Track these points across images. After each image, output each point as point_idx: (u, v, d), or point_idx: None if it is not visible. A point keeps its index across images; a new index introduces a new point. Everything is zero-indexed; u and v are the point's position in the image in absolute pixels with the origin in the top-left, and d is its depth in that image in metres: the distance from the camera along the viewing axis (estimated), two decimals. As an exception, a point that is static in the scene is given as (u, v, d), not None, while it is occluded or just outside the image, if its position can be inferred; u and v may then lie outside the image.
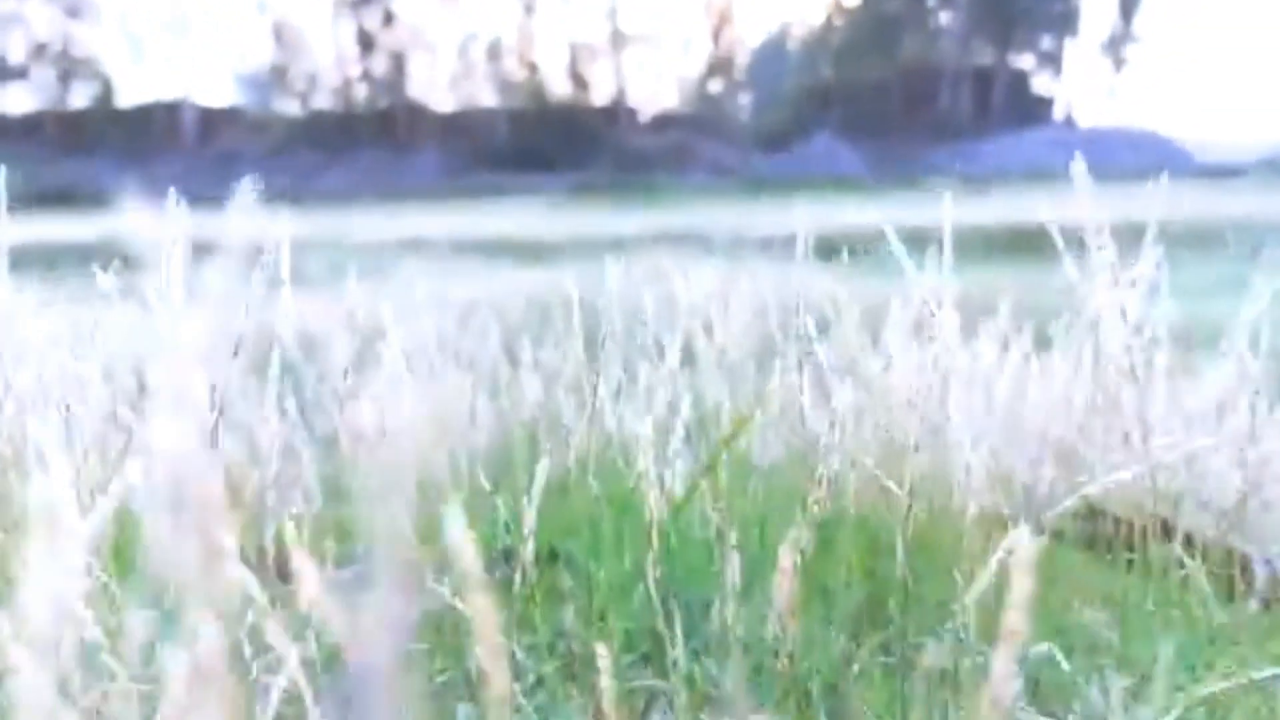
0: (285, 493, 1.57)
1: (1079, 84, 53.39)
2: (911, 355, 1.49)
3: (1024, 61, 48.32)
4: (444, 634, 1.24)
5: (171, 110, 48.41)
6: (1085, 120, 47.22)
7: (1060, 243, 1.46)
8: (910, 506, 1.24)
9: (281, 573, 1.25)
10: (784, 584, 0.92)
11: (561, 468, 1.69)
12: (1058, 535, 1.72)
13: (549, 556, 1.44)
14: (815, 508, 1.28)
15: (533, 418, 2.23)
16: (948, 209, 1.36)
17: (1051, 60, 48.02)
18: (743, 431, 1.55)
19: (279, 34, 51.66)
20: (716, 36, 49.98)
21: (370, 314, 2.74)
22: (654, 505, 1.15)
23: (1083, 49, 51.36)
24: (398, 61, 51.20)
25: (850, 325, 1.62)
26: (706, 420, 1.87)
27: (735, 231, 10.06)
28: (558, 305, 3.84)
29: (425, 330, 2.24)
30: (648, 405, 1.85)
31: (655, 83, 59.83)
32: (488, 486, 1.63)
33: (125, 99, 50.59)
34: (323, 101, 51.41)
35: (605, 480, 1.58)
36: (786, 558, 0.91)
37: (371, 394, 1.50)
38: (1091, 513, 1.71)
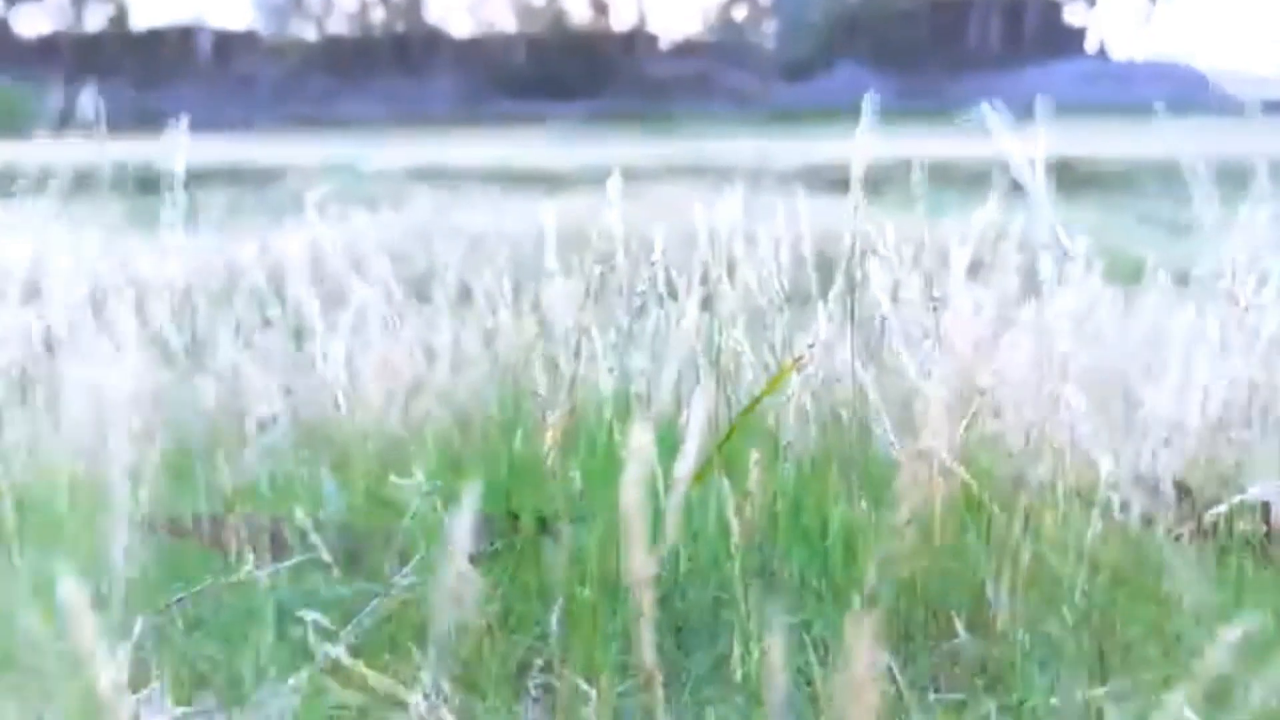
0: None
1: (1113, 14, 51.91)
2: (996, 307, 1.27)
3: (1057, -10, 46.97)
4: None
5: (186, 34, 47.81)
6: (1119, 52, 46.02)
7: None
8: (1028, 520, 1.00)
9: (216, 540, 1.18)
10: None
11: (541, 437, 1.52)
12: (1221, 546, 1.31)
13: (537, 528, 1.32)
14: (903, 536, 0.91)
15: (522, 366, 2.06)
16: (1040, 138, 1.18)
17: (1085, -11, 46.62)
18: (776, 389, 1.30)
19: (296, -45, 50.71)
20: (741, -39, 48.72)
21: (374, 245, 2.64)
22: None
23: (1118, -23, 49.79)
24: (417, -16, 50.25)
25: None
26: (725, 378, 1.65)
27: (757, 162, 9.85)
28: (569, 238, 3.72)
29: (420, 265, 2.16)
30: (653, 357, 1.68)
31: (677, 9, 58.60)
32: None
33: (139, 21, 50.02)
34: (339, 26, 50.69)
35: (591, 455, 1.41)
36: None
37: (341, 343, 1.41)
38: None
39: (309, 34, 50.60)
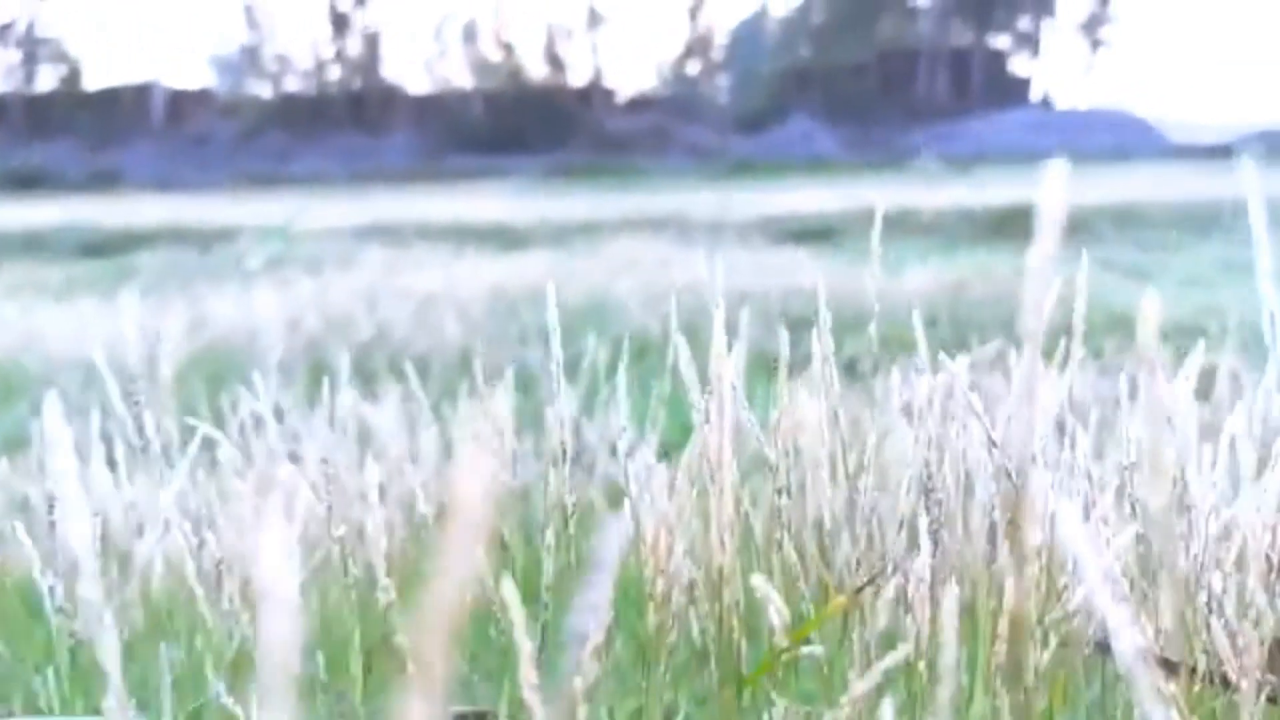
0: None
1: (1056, 65, 53.40)
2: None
3: (1001, 42, 48.28)
4: None
5: (141, 92, 47.57)
6: (1062, 101, 47.28)
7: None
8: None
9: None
10: None
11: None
12: None
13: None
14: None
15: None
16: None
17: (1029, 41, 47.99)
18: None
19: (251, 14, 50.87)
20: (694, 17, 49.61)
21: (320, 313, 2.53)
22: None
23: (1060, 29, 51.35)
24: (371, 43, 50.53)
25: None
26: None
27: (716, 214, 9.86)
28: (525, 299, 3.64)
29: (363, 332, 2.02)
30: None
31: (632, 64, 59.35)
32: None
33: (93, 81, 49.68)
34: (295, 83, 50.71)
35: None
36: None
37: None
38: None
39: (264, 92, 50.59)
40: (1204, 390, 2.07)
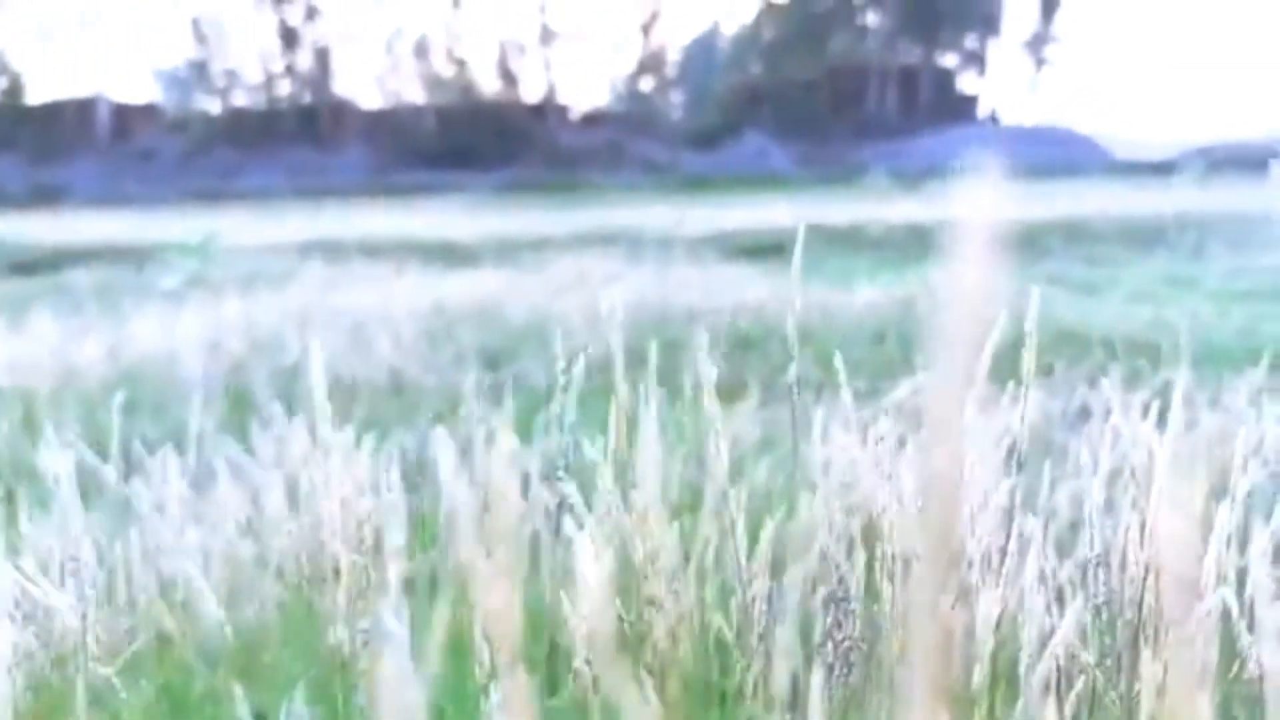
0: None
1: (1002, 82, 54.39)
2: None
3: (949, 60, 49.06)
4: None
5: (85, 107, 46.69)
6: (1009, 118, 48.12)
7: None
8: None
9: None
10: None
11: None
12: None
13: None
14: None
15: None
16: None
17: (976, 59, 48.83)
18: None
19: (198, 28, 50.19)
20: (647, 34, 49.82)
21: (246, 334, 2.42)
22: None
23: (1005, 48, 52.33)
24: (322, 57, 50.09)
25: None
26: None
27: (668, 230, 9.82)
28: (468, 318, 3.55)
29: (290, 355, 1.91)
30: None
31: (586, 80, 59.55)
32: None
33: (36, 95, 48.68)
34: (244, 98, 50.08)
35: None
36: None
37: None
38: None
39: (213, 107, 49.87)
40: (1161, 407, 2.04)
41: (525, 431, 2.21)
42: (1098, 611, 0.90)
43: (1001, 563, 0.93)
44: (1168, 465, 0.86)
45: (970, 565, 0.93)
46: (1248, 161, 31.26)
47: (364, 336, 2.51)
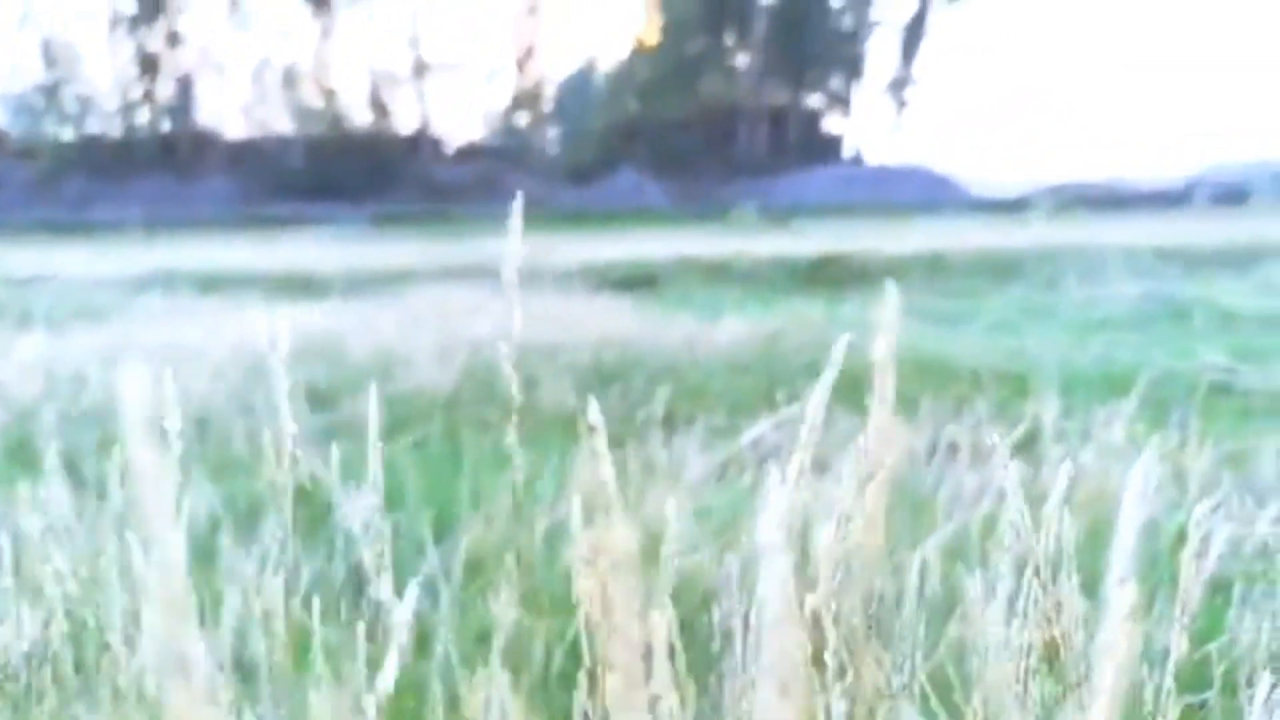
0: None
1: (866, 124, 56.53)
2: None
3: (815, 102, 50.67)
4: None
5: (-79, 133, 43.89)
6: (871, 157, 49.97)
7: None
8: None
9: None
10: None
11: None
12: None
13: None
14: None
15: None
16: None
17: (840, 101, 50.57)
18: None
19: (48, 51, 47.78)
20: (522, 69, 49.85)
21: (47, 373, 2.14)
22: None
23: (868, 91, 54.44)
24: (184, 85, 48.30)
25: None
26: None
27: (536, 262, 9.66)
28: (309, 353, 3.31)
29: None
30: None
31: (460, 113, 59.16)
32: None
33: None
34: (99, 125, 47.81)
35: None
36: None
37: None
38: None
39: (64, 133, 47.45)
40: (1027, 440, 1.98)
41: (354, 474, 1.99)
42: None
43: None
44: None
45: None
46: (1094, 199, 33.22)
47: (176, 376, 2.25)
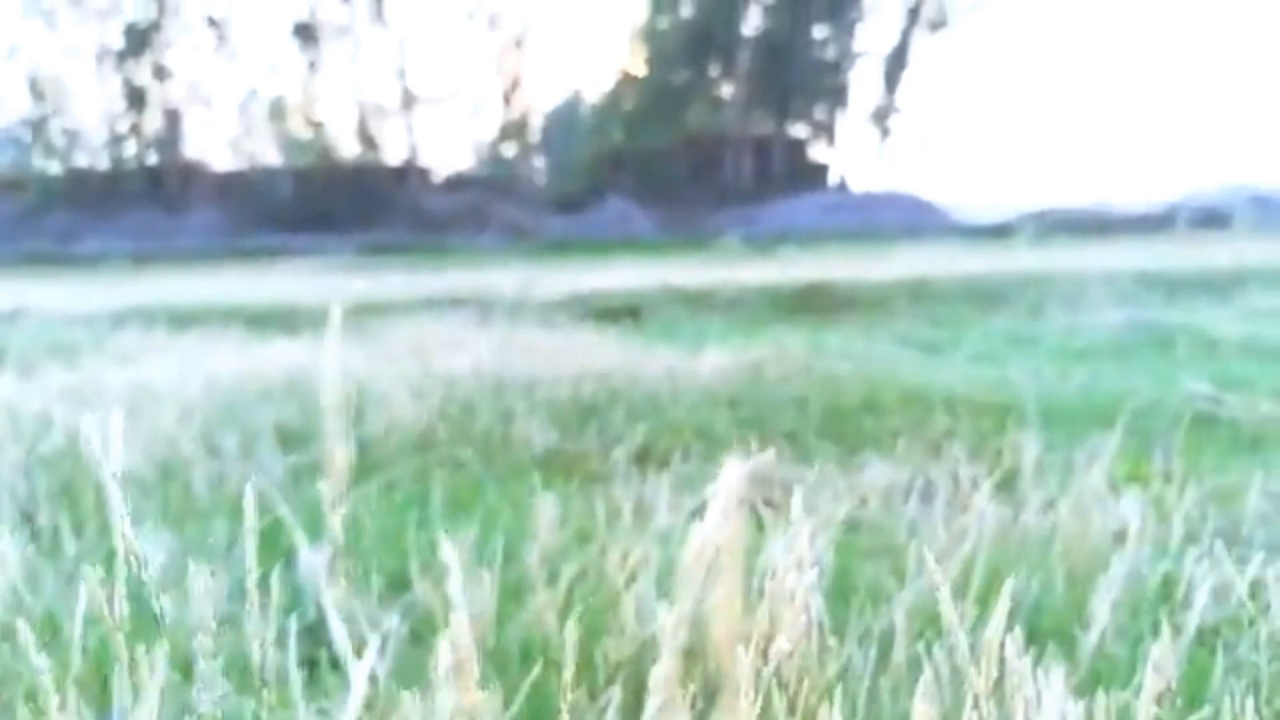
0: None
1: (850, 152, 56.92)
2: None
3: (800, 131, 51.02)
4: None
5: (-94, 167, 43.78)
6: (856, 185, 50.25)
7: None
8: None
9: None
10: None
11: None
12: None
13: None
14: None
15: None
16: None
17: (825, 130, 50.94)
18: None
19: (36, 85, 47.80)
20: (509, 100, 50.07)
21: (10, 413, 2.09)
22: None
23: (853, 120, 54.88)
24: (172, 118, 48.32)
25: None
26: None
27: (521, 293, 9.64)
28: (279, 389, 3.26)
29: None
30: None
31: (448, 144, 59.46)
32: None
33: None
34: (86, 159, 47.76)
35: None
36: None
37: None
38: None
39: (51, 167, 47.35)
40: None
41: (315, 528, 1.94)
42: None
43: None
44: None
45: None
46: (1076, 224, 33.41)
47: (140, 417, 2.21)
